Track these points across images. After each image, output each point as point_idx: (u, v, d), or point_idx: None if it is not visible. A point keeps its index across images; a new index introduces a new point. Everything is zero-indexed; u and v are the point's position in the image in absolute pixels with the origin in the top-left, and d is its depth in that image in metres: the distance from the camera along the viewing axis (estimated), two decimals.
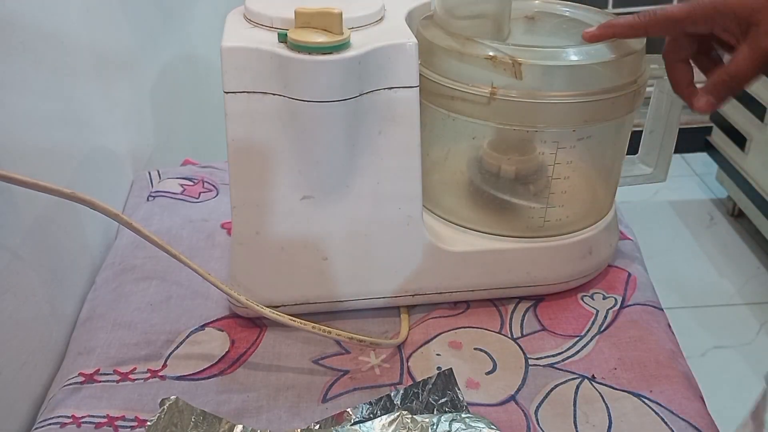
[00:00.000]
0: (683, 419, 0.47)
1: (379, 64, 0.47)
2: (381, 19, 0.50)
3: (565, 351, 0.53)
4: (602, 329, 0.55)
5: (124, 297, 0.58)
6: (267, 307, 0.51)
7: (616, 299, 0.58)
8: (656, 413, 0.48)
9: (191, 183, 0.73)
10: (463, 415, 0.45)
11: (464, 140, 0.56)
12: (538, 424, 0.47)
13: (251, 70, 0.46)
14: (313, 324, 0.51)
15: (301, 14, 0.46)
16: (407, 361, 0.52)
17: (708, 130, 1.86)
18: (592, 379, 0.51)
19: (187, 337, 0.54)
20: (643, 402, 0.49)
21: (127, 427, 0.47)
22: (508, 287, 0.57)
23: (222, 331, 0.55)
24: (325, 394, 0.50)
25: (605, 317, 0.56)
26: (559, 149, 0.52)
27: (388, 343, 0.53)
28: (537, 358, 0.52)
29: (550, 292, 0.58)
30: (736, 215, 1.87)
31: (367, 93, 0.48)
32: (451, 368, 0.50)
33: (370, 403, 0.47)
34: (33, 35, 0.55)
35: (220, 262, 0.61)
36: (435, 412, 0.47)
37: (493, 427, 0.44)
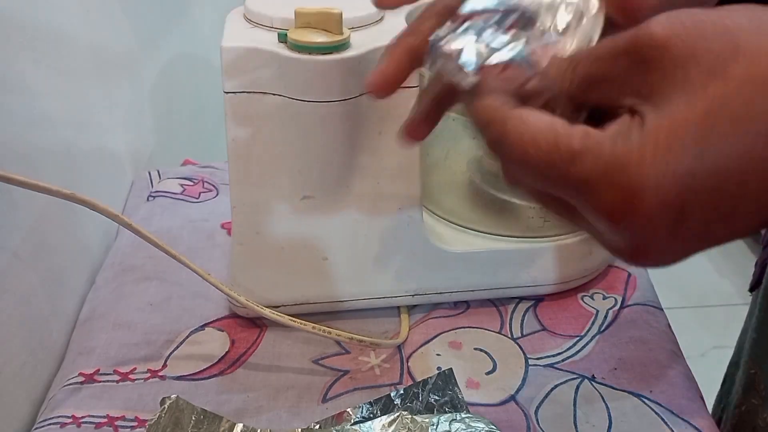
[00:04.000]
0: (683, 419, 0.47)
1: None
2: (381, 19, 0.50)
3: (565, 351, 0.53)
4: (602, 329, 0.55)
5: (124, 297, 0.58)
6: (267, 307, 0.51)
7: (616, 299, 0.58)
8: (656, 413, 0.48)
9: (191, 183, 0.73)
10: (463, 415, 0.45)
11: (464, 140, 0.56)
12: (538, 424, 0.47)
13: (251, 70, 0.46)
14: (313, 324, 0.51)
15: (301, 14, 0.46)
16: (407, 361, 0.52)
17: None
18: (592, 379, 0.51)
19: (187, 337, 0.54)
20: (643, 402, 0.49)
21: (127, 427, 0.47)
22: (508, 287, 0.57)
23: (222, 331, 0.55)
24: (325, 394, 0.50)
25: (605, 317, 0.56)
26: None
27: (388, 343, 0.53)
28: (537, 358, 0.52)
29: (550, 292, 0.57)
30: None
31: (367, 93, 0.48)
32: (451, 368, 0.50)
33: (370, 403, 0.47)
34: (33, 35, 0.55)
35: (220, 263, 0.61)
36: (435, 412, 0.47)
37: (493, 427, 0.44)
